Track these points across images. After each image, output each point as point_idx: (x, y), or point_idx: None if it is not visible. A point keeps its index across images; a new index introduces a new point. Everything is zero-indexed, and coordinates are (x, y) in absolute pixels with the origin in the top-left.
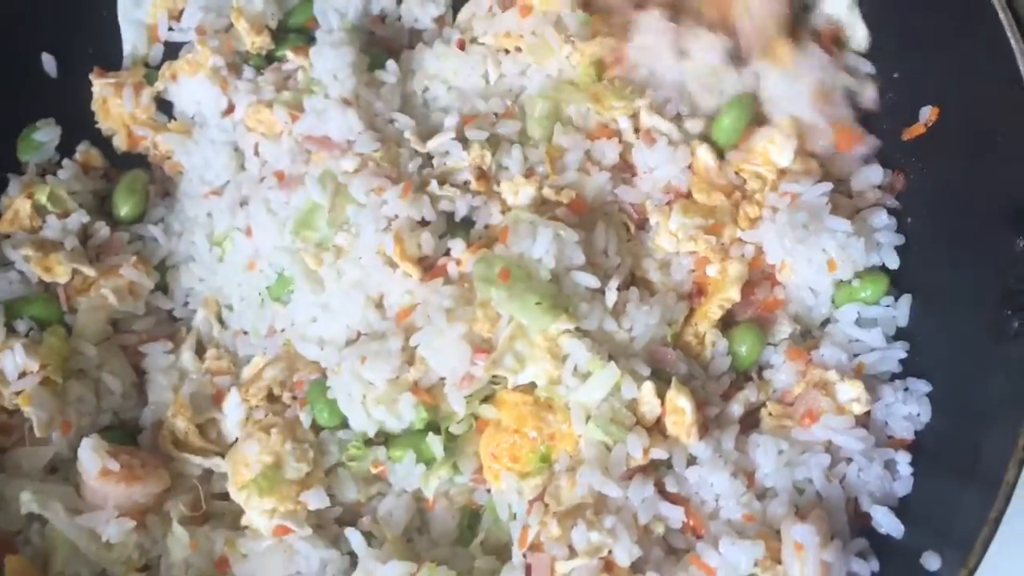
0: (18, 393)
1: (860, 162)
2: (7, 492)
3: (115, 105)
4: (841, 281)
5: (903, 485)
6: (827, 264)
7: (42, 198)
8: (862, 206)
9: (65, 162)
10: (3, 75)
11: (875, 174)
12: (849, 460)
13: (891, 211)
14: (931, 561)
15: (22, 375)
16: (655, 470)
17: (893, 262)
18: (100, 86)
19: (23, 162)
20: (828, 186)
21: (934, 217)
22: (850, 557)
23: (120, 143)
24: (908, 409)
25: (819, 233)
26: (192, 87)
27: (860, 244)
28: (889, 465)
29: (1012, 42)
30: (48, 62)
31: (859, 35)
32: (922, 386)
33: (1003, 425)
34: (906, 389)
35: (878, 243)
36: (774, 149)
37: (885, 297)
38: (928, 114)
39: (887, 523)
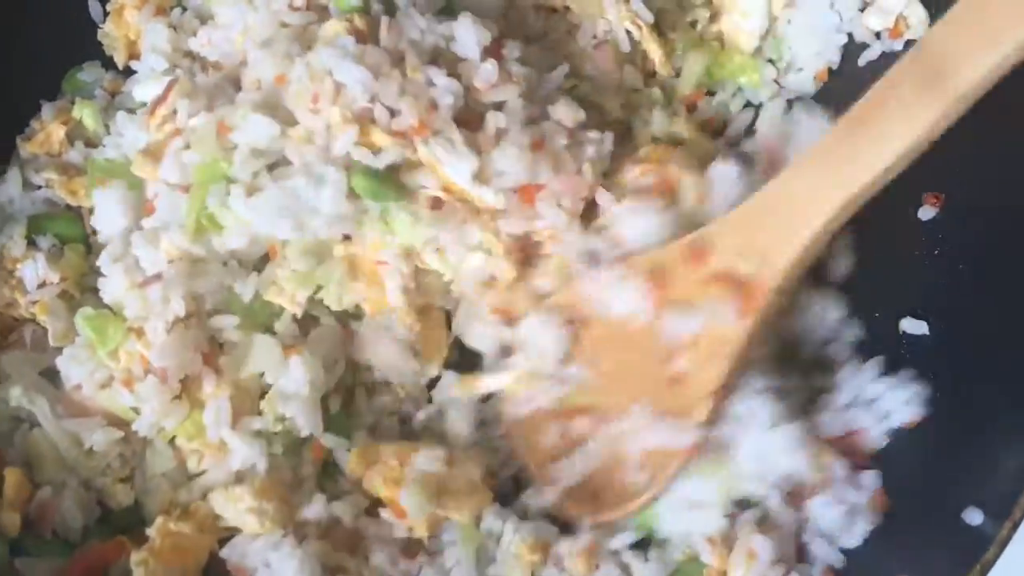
0: (35, 303)
1: None
2: None
3: (130, 15)
4: None
5: (855, 537)
6: None
7: (80, 113)
8: None
9: (97, 92)
10: (52, 19)
11: None
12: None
13: None
14: (973, 516)
15: (41, 285)
16: None
17: None
18: None
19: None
20: None
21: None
22: None
23: (120, 58)
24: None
25: None
26: None
27: None
28: (851, 513)
29: None
30: (94, 7)
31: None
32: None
33: None
34: None
35: None
36: None
37: None
38: None
39: (827, 555)
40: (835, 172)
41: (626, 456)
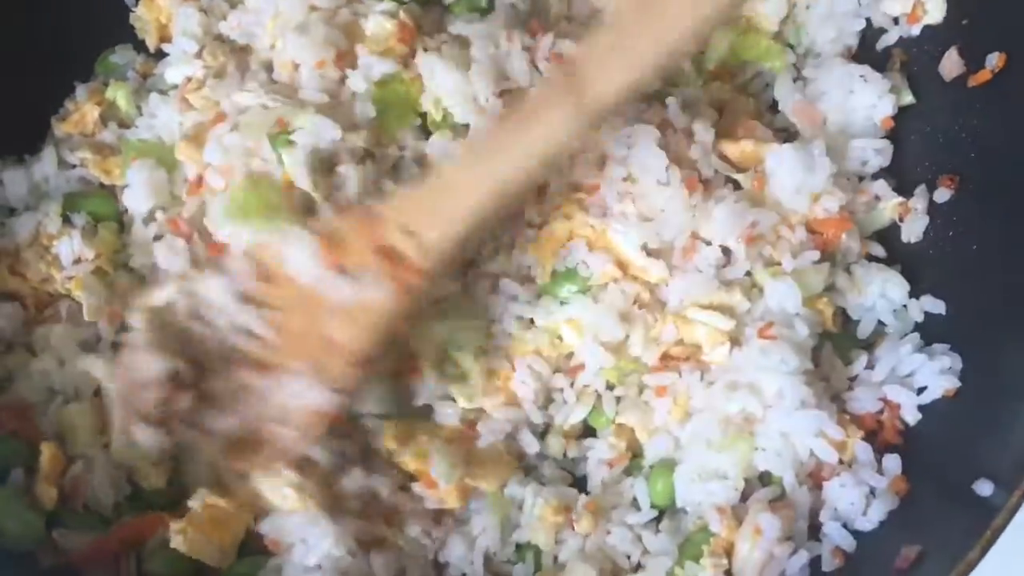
0: (71, 279)
1: None
2: (33, 365)
3: None
4: None
5: (869, 522)
6: None
7: (113, 95)
8: None
9: (129, 74)
10: (86, 2)
11: None
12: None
13: None
14: (983, 487)
15: (76, 262)
16: None
17: None
18: None
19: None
20: None
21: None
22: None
23: (151, 41)
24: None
25: None
26: None
27: None
28: (869, 496)
29: None
30: None
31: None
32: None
33: None
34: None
35: None
36: None
37: None
38: (995, 60)
39: (838, 536)
40: (486, 163)
41: (287, 413)
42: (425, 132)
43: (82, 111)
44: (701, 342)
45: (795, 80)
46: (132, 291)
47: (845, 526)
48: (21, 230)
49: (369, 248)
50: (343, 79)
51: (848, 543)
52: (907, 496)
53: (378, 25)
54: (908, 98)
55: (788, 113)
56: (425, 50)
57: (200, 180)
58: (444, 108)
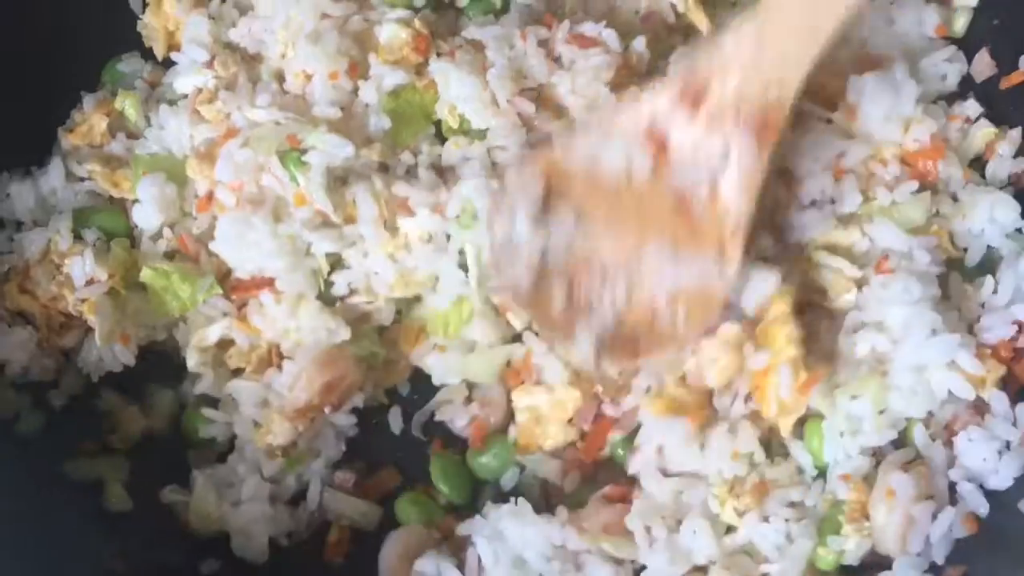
0: (83, 300)
1: None
2: None
3: (169, 6)
4: None
5: (1002, 479)
6: None
7: (122, 104)
8: None
9: (137, 83)
10: (92, 9)
11: None
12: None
13: None
14: None
15: (89, 283)
16: None
17: None
18: None
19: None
20: None
21: None
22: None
23: (159, 49)
24: None
25: None
26: None
27: None
28: (1002, 451)
29: None
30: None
31: None
32: None
33: None
34: None
35: None
36: None
37: None
38: None
39: (972, 500)
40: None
41: (654, 298)
42: (440, 138)
43: (89, 122)
44: (827, 287)
45: None
46: (144, 313)
47: (981, 487)
48: (31, 247)
49: (701, 120)
50: (356, 90)
51: (981, 505)
52: None
53: (392, 34)
54: None
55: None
56: (439, 55)
57: (210, 196)
58: (460, 114)
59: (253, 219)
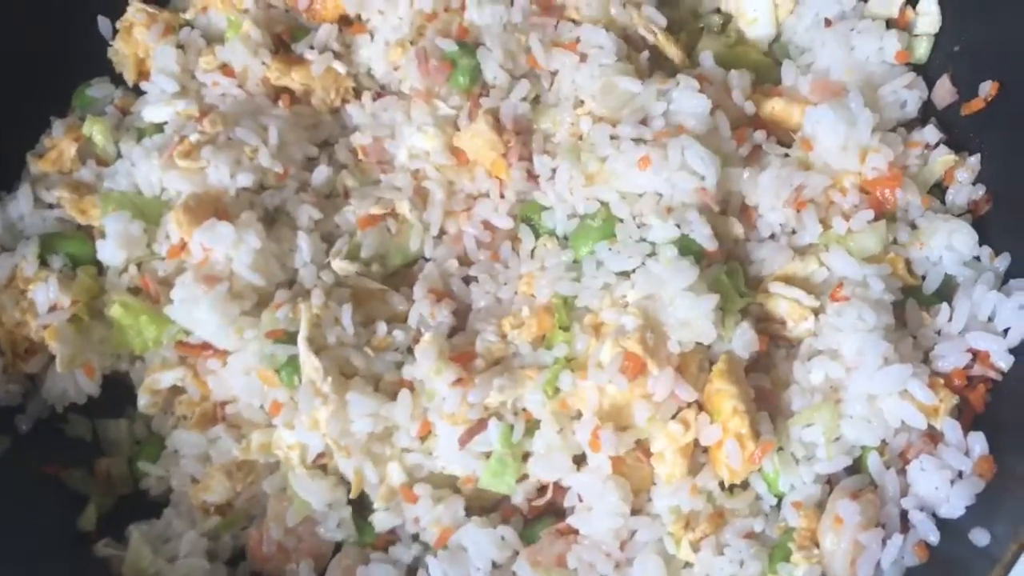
0: (45, 327)
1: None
2: None
3: (139, 32)
4: None
5: (953, 508)
6: None
7: (90, 130)
8: None
9: (108, 108)
10: (61, 36)
11: None
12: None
13: None
14: (980, 537)
15: (52, 309)
16: None
17: None
18: (135, 9)
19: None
20: None
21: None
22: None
23: (129, 75)
24: None
25: None
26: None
27: None
28: (954, 479)
29: None
30: (103, 24)
31: (932, 12)
32: None
33: None
34: None
35: None
36: None
37: None
38: (988, 89)
39: (923, 528)
40: None
41: None
42: None
43: (59, 148)
44: (784, 317)
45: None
46: (107, 342)
47: (933, 515)
48: None
49: None
50: None
51: (932, 535)
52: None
53: None
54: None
55: (808, 94)
56: None
57: (183, 246)
58: None
59: (209, 296)
